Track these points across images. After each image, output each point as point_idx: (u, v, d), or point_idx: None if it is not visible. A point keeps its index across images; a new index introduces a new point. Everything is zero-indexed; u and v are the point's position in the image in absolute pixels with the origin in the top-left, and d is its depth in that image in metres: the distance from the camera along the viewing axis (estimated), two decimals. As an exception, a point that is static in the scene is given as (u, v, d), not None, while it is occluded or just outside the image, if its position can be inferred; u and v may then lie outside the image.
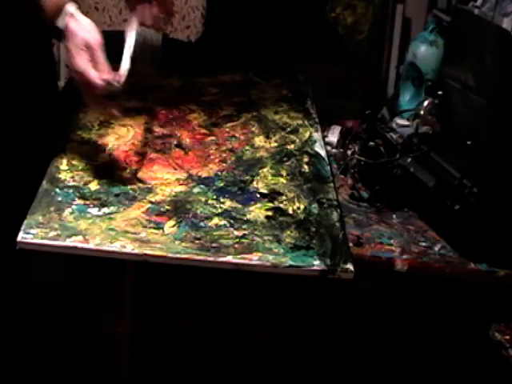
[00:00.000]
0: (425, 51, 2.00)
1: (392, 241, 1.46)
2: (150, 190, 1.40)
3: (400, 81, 2.14)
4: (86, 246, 1.23)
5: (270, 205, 1.40)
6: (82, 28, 1.36)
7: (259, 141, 1.64)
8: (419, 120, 1.79)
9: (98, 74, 1.32)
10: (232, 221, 1.34)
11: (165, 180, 1.44)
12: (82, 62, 1.33)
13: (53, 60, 1.69)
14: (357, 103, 2.17)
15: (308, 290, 2.00)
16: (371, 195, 1.59)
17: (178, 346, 1.84)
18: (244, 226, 1.33)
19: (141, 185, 1.42)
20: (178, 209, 1.36)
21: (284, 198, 1.43)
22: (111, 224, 1.29)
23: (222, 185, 1.45)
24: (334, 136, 1.82)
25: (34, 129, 1.55)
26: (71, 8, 1.36)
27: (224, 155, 1.57)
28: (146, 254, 1.23)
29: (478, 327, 1.49)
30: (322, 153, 1.61)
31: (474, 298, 1.68)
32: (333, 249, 1.29)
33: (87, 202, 1.34)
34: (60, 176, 1.42)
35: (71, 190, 1.37)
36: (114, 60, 1.38)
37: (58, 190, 1.37)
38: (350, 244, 1.39)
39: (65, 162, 1.46)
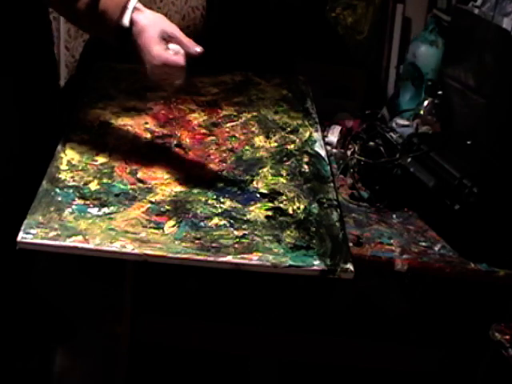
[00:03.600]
0: (425, 51, 2.00)
1: (392, 241, 1.46)
2: (150, 190, 1.40)
3: (400, 81, 2.14)
4: (86, 246, 1.23)
5: (270, 205, 1.40)
6: (155, 18, 1.31)
7: (259, 141, 1.64)
8: (419, 120, 1.79)
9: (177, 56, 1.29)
10: (232, 221, 1.34)
11: (165, 180, 1.44)
12: (162, 52, 1.28)
13: (54, 59, 1.69)
14: (357, 103, 2.17)
15: (308, 289, 2.00)
16: (371, 195, 1.59)
17: (178, 346, 1.84)
18: (244, 226, 1.33)
19: (141, 185, 1.42)
20: (178, 209, 1.36)
21: (284, 197, 1.43)
22: (111, 224, 1.29)
23: (221, 185, 1.45)
24: (334, 136, 1.82)
25: (33, 129, 1.55)
26: (135, 3, 1.30)
27: (224, 155, 1.56)
28: (146, 254, 1.23)
29: (478, 327, 1.49)
30: (322, 153, 1.62)
31: (473, 298, 1.68)
32: (333, 249, 1.29)
33: (87, 202, 1.34)
34: (60, 176, 1.41)
35: (71, 190, 1.37)
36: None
37: (57, 189, 1.37)
38: (350, 244, 1.39)
39: (65, 162, 1.46)
